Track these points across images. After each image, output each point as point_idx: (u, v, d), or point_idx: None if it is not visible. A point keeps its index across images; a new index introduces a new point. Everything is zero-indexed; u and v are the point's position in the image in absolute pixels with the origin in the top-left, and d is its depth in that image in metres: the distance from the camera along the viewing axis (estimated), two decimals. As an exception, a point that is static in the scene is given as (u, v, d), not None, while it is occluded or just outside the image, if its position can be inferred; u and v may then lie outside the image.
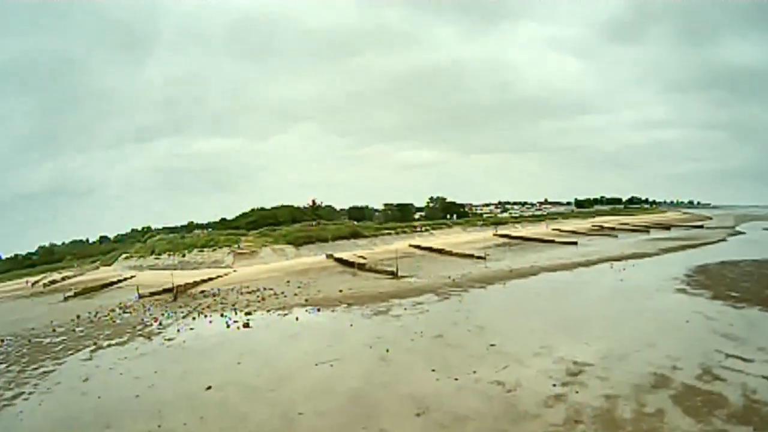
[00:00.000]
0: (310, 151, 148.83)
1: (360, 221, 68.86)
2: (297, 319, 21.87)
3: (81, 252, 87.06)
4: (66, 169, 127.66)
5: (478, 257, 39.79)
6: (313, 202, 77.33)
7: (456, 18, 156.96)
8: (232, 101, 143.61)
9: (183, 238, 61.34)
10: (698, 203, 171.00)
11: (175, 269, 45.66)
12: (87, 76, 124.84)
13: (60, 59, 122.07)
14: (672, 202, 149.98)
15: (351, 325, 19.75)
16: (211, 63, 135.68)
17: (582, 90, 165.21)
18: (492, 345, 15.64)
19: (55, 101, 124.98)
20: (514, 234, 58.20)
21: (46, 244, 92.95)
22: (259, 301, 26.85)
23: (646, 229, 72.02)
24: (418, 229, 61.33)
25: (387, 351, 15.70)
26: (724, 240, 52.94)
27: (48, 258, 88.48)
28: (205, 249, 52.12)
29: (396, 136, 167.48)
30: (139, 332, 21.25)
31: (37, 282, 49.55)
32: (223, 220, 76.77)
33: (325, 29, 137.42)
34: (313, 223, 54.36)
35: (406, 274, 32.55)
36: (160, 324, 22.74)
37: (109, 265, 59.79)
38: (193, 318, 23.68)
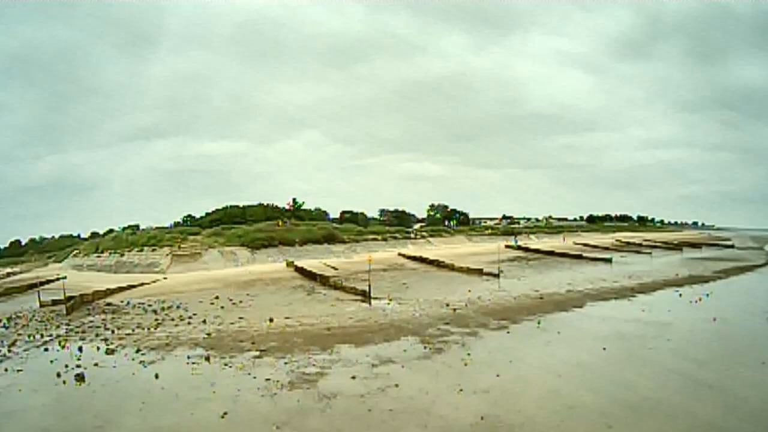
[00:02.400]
0: (314, 158, 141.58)
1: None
2: (157, 377, 11.56)
3: (44, 247, 79.65)
4: (67, 164, 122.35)
5: (489, 274, 29.11)
6: (294, 201, 67.16)
7: (465, 27, 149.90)
8: (236, 104, 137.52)
9: (130, 236, 51.85)
10: (702, 224, 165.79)
11: (109, 271, 39.04)
12: (90, 70, 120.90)
13: (64, 51, 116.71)
14: (676, 223, 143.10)
15: (223, 416, 9.16)
16: (216, 64, 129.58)
17: (590, 107, 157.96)
18: None
19: (59, 94, 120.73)
20: (530, 246, 47.55)
21: (37, 237, 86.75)
22: (148, 329, 16.93)
23: (677, 247, 62.13)
24: (413, 235, 50.78)
25: None
26: None
27: (14, 251, 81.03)
28: (145, 249, 42.34)
29: (400, 147, 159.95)
30: None
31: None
32: (190, 217, 66.58)
33: (331, 34, 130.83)
34: (280, 222, 44.16)
35: (382, 296, 21.96)
36: (7, 352, 14.16)
37: (60, 262, 53.20)
38: (46, 349, 14.64)
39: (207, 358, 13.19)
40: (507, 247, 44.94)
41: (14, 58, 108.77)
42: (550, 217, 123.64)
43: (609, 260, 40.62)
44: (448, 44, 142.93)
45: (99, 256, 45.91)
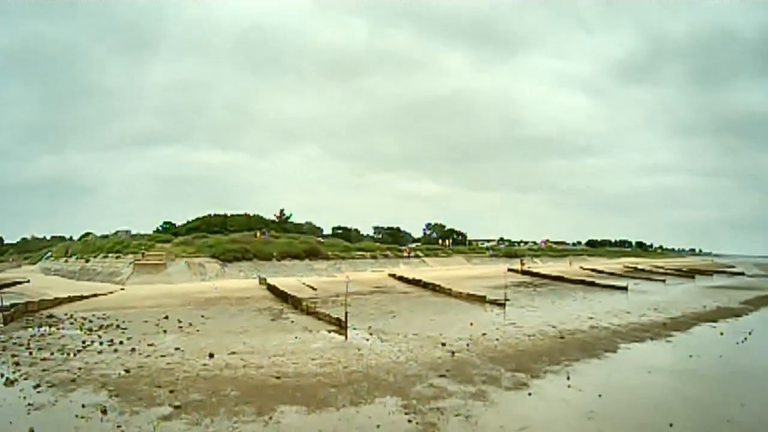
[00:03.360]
0: (311, 173, 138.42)
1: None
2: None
3: (24, 247, 75.45)
4: (65, 165, 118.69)
5: (494, 302, 24.69)
6: (281, 213, 62.96)
7: (467, 46, 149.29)
8: (235, 114, 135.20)
9: (97, 241, 48.05)
10: (699, 251, 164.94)
11: (72, 277, 36.69)
12: (89, 71, 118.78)
13: (64, 50, 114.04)
14: (674, 249, 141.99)
15: None
16: (215, 72, 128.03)
17: (590, 130, 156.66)
18: None
19: (57, 94, 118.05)
20: (535, 270, 43.16)
21: (29, 236, 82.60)
22: (68, 353, 13.21)
23: (687, 274, 58.07)
24: (406, 254, 46.34)
25: None
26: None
27: (-4, 250, 76.91)
28: (110, 255, 38.50)
29: (398, 165, 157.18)
30: None
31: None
32: (170, 224, 62.12)
33: (332, 48, 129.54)
34: (258, 233, 39.75)
35: (362, 327, 17.52)
36: None
37: (34, 264, 51.70)
38: None
39: (104, 411, 9.03)
40: (510, 270, 40.60)
41: (14, 54, 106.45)
42: (548, 240, 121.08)
43: (625, 288, 36.35)
44: (450, 62, 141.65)
45: (67, 261, 43.78)
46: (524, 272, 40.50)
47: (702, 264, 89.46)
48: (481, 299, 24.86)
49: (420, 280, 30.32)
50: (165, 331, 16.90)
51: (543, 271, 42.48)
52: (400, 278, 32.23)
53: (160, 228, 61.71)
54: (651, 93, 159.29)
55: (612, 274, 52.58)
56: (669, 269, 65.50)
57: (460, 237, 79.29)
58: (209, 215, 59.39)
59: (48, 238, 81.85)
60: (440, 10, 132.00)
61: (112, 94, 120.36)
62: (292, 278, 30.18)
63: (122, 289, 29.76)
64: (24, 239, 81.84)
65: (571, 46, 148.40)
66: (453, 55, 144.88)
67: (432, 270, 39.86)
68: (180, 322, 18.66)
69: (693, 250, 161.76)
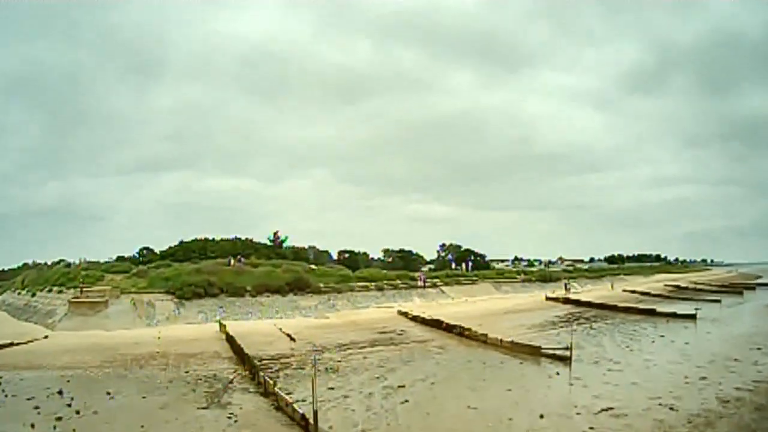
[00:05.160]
0: (319, 198, 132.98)
1: (355, 270, 45.53)
2: None
3: (6, 275, 69.57)
4: (71, 191, 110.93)
5: (552, 355, 16.62)
6: (275, 236, 55.66)
7: (474, 63, 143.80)
8: (241, 138, 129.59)
9: (47, 271, 40.98)
10: (711, 261, 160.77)
11: (14, 314, 30.67)
12: (93, 96, 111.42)
13: (67, 74, 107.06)
14: (684, 261, 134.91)
15: None
16: (220, 97, 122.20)
17: (599, 145, 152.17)
18: None
19: (61, 119, 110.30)
20: (574, 296, 34.79)
21: (30, 261, 77.87)
22: None
23: (734, 290, 51.39)
24: (421, 282, 38.19)
25: None
26: None
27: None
28: (53, 288, 31.10)
29: (408, 188, 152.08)
30: None
31: None
32: (147, 250, 54.69)
33: (337, 70, 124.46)
34: (233, 260, 32.02)
35: (347, 427, 9.80)
36: None
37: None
38: None
39: None
40: (549, 299, 32.49)
41: (17, 78, 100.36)
42: (562, 258, 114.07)
43: (692, 317, 28.29)
44: (456, 81, 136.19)
45: (20, 293, 37.24)
46: (566, 300, 32.39)
47: (734, 277, 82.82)
48: (535, 351, 16.78)
49: (441, 321, 22.34)
50: (33, 426, 10.24)
51: (585, 298, 34.29)
52: (414, 318, 24.23)
53: (136, 255, 54.35)
54: (658, 103, 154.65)
55: (659, 296, 45.19)
56: (711, 285, 58.45)
57: (479, 259, 70.71)
58: (192, 240, 52.08)
59: (48, 263, 76.54)
60: (445, 27, 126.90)
61: (116, 119, 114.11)
62: (268, 321, 22.49)
63: (46, 336, 22.57)
64: (24, 264, 76.77)
65: (578, 59, 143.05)
66: (460, 73, 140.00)
67: (454, 303, 31.54)
68: (70, 404, 11.87)
69: (704, 260, 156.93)
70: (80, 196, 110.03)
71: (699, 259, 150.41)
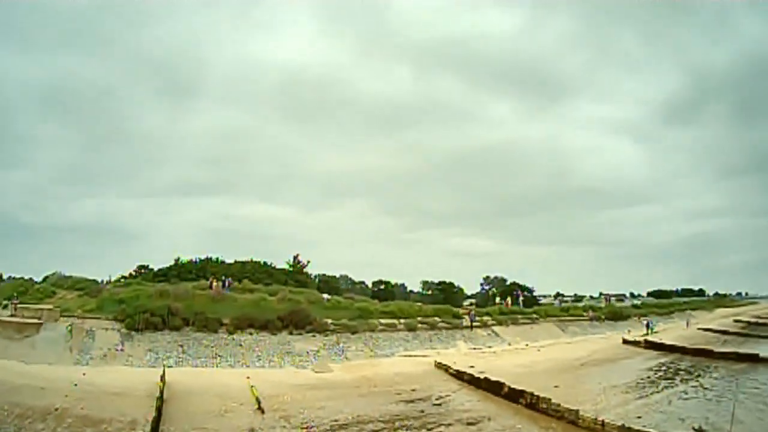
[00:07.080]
0: (358, 229, 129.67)
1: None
2: None
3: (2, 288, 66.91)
4: (103, 209, 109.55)
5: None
6: (295, 259, 50.40)
7: (514, 92, 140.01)
8: (279, 166, 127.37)
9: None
10: (746, 294, 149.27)
11: None
12: (128, 115, 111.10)
13: (101, 89, 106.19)
14: (725, 294, 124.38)
15: None
16: (257, 121, 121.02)
17: (637, 178, 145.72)
18: None
19: (96, 135, 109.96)
20: (658, 340, 26.97)
21: (52, 272, 77.17)
22: None
23: None
24: (466, 321, 30.28)
25: None
26: None
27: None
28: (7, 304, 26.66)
29: (448, 221, 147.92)
30: None
31: None
32: (146, 268, 50.76)
33: (376, 98, 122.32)
34: (215, 282, 26.08)
35: None
36: None
37: None
38: None
39: None
40: (626, 343, 25.09)
41: (50, 91, 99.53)
42: (604, 294, 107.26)
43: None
44: (496, 111, 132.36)
45: None
46: (647, 344, 24.95)
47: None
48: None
49: (502, 384, 14.35)
50: None
51: (667, 340, 26.69)
52: (459, 374, 16.74)
53: (133, 272, 50.93)
54: (696, 134, 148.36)
55: (739, 333, 37.43)
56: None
57: (528, 293, 62.97)
58: (188, 261, 47.22)
59: (73, 276, 74.07)
60: (484, 55, 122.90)
61: (152, 139, 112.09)
62: (239, 372, 16.02)
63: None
64: (45, 277, 74.99)
65: (617, 88, 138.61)
66: (499, 103, 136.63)
67: (513, 350, 23.78)
68: None
69: (740, 294, 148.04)
70: (112, 216, 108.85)
71: (734, 293, 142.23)
